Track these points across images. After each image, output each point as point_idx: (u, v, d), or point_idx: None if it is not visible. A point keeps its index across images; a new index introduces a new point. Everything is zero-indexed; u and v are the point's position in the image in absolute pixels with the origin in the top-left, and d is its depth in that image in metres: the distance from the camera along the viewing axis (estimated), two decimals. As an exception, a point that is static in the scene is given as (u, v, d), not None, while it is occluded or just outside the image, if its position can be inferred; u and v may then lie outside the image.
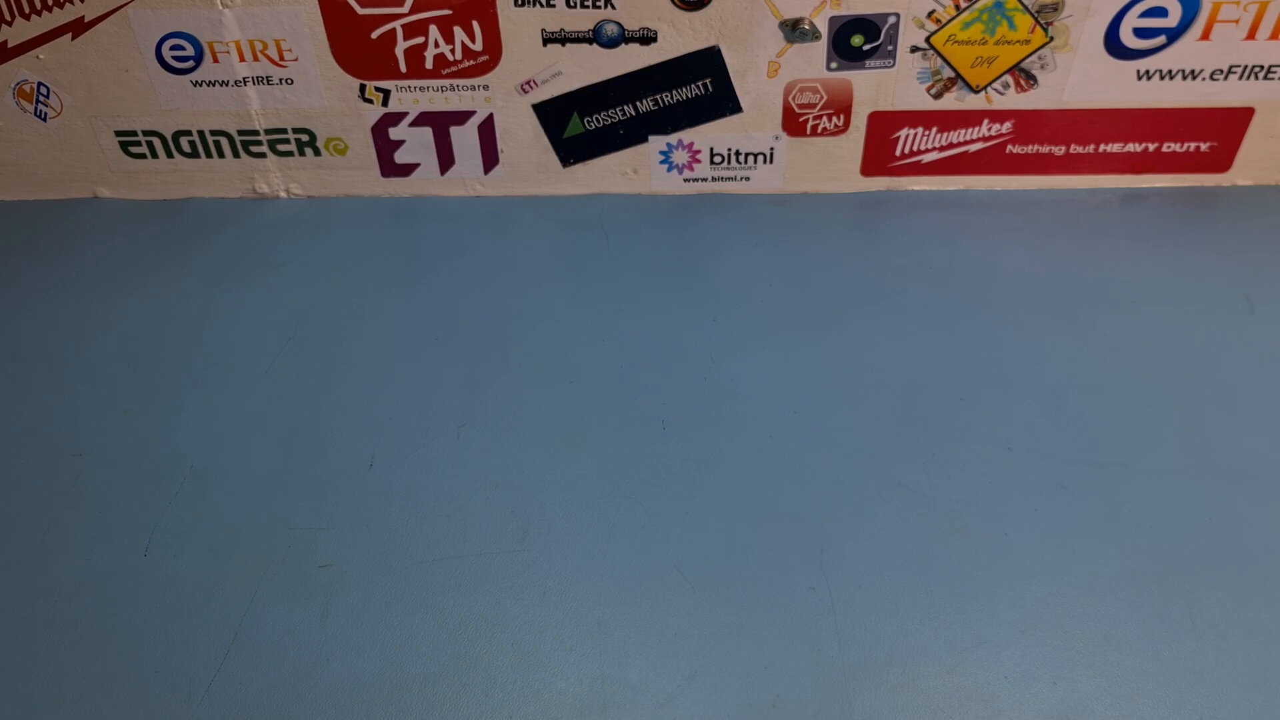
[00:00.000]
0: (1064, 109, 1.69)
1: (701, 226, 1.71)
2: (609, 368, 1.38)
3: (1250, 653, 0.99)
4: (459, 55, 1.64)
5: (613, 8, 1.58)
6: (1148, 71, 1.64)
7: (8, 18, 1.60)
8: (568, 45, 1.62)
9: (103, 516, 1.17)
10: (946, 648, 1.00)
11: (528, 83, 1.67)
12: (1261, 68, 1.63)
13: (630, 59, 1.64)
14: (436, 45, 1.63)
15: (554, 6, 1.58)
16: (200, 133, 1.73)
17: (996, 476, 1.19)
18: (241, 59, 1.64)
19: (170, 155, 1.76)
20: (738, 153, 1.75)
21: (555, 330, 1.45)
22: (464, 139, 1.74)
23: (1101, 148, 1.74)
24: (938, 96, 1.68)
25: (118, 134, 1.74)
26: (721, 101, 1.68)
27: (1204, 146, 1.73)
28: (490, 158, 1.77)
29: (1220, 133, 1.71)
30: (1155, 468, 1.20)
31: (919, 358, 1.38)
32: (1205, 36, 1.60)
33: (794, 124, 1.71)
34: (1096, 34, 1.60)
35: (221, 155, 1.76)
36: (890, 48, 1.62)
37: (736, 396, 1.32)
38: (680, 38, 1.62)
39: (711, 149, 1.75)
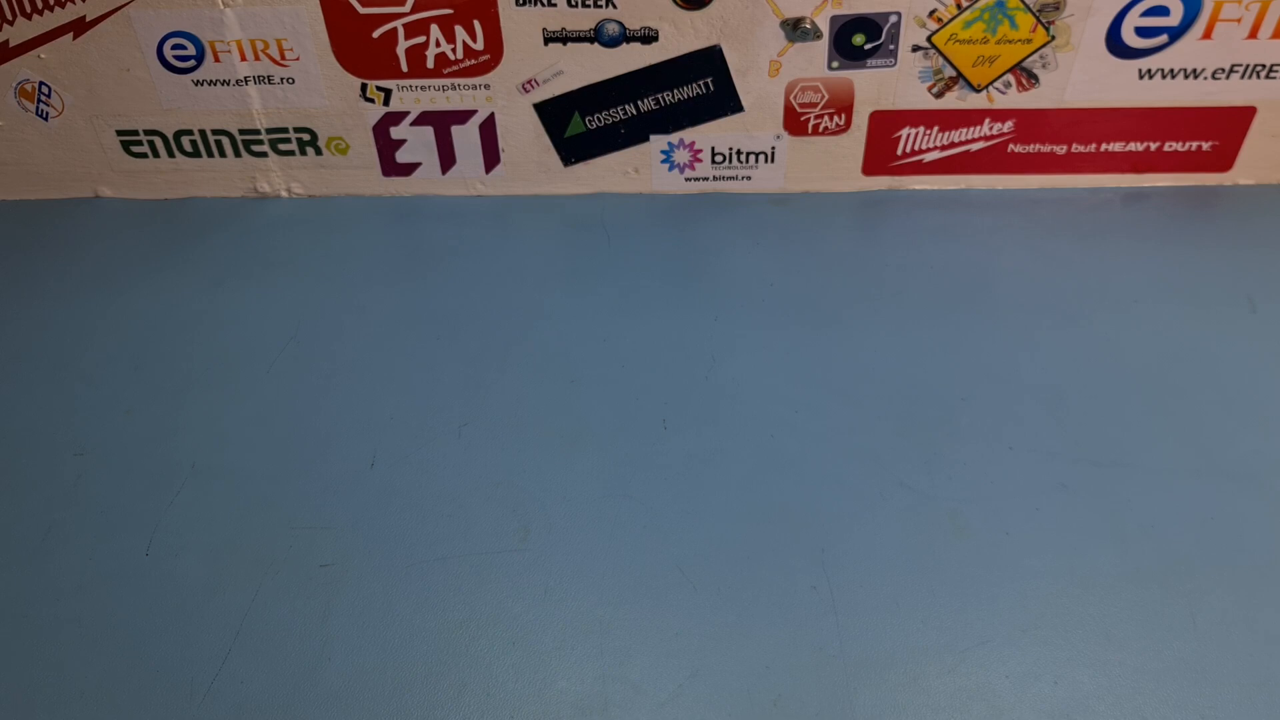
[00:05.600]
0: (1065, 108, 1.68)
1: (703, 226, 1.71)
2: (610, 367, 1.38)
3: (1252, 652, 0.99)
4: (460, 54, 1.64)
5: (614, 7, 1.58)
6: (1149, 71, 1.64)
7: (9, 17, 1.61)
8: (569, 44, 1.62)
9: (104, 516, 1.17)
10: (948, 647, 1.00)
11: (529, 82, 1.67)
12: (1263, 67, 1.63)
13: (631, 58, 1.64)
14: (438, 44, 1.63)
15: (555, 6, 1.58)
16: (201, 132, 1.73)
17: (998, 476, 1.19)
18: (243, 58, 1.64)
19: (171, 155, 1.76)
20: (739, 152, 1.75)
21: (556, 329, 1.45)
22: (465, 138, 1.74)
23: (1103, 147, 1.74)
24: (939, 96, 1.68)
25: (119, 133, 1.74)
26: (723, 101, 1.68)
27: (1206, 146, 1.73)
28: (491, 157, 1.77)
29: (1222, 132, 1.71)
30: (1157, 467, 1.20)
31: (920, 357, 1.38)
32: (1207, 36, 1.60)
33: (795, 123, 1.71)
34: (1098, 33, 1.60)
35: (223, 154, 1.76)
36: (892, 47, 1.62)
37: (737, 395, 1.32)
38: (681, 37, 1.62)
39: (713, 148, 1.75)
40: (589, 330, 1.45)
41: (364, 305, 1.52)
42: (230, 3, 1.58)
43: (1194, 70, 1.64)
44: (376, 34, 1.62)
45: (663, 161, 1.76)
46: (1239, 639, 1.00)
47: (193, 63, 1.65)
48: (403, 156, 1.77)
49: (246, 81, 1.67)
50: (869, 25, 1.60)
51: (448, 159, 1.77)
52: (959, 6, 1.58)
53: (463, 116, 1.71)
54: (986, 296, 1.51)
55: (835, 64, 1.64)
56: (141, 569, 1.10)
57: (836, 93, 1.67)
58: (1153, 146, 1.74)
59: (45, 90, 1.68)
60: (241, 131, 1.73)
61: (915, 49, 1.62)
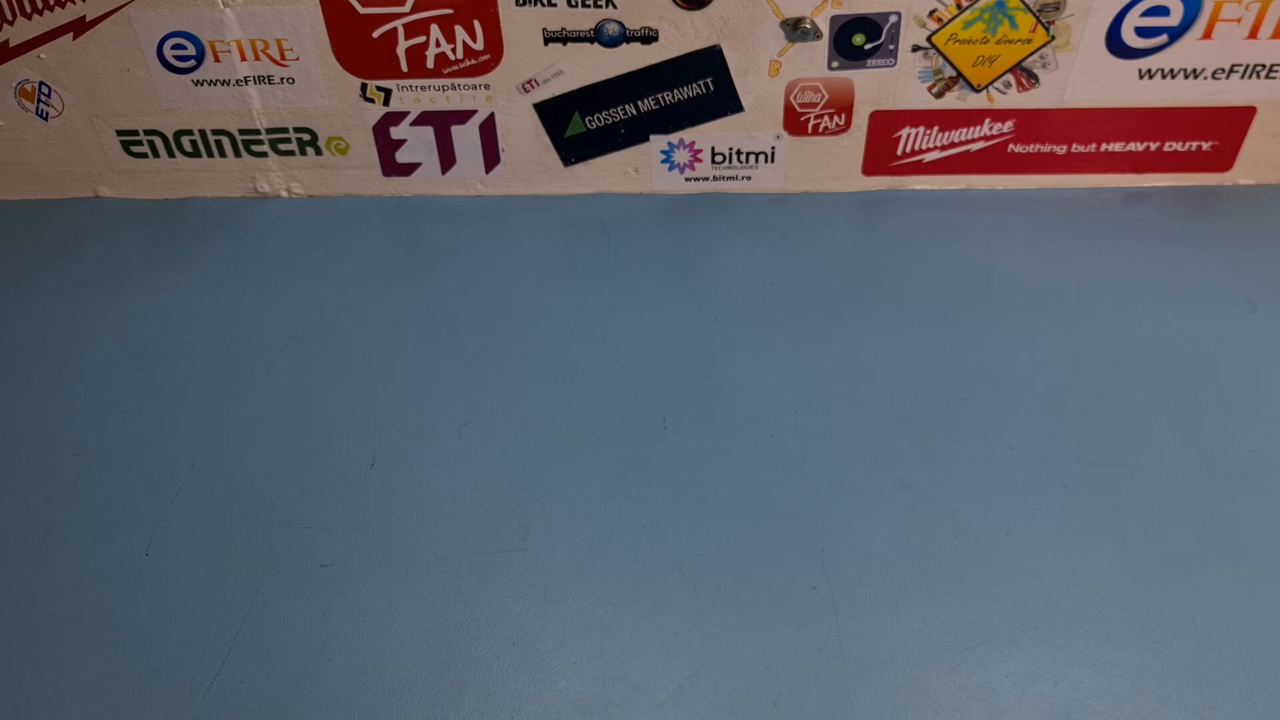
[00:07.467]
0: (1065, 108, 1.68)
1: (703, 226, 1.71)
2: (610, 366, 1.38)
3: (1252, 652, 0.99)
4: (460, 54, 1.64)
5: (614, 7, 1.58)
6: (1149, 70, 1.64)
7: (9, 17, 1.61)
8: (569, 44, 1.62)
9: (104, 516, 1.17)
10: (948, 647, 1.00)
11: (529, 82, 1.67)
12: (1263, 67, 1.62)
13: (631, 58, 1.64)
14: (438, 44, 1.63)
15: (555, 6, 1.58)
16: (201, 132, 1.73)
17: (998, 476, 1.19)
18: (243, 58, 1.64)
19: (171, 155, 1.76)
20: (739, 152, 1.75)
21: (556, 329, 1.45)
22: (465, 138, 1.74)
23: (1103, 147, 1.74)
24: (939, 96, 1.68)
25: (119, 133, 1.74)
26: (723, 101, 1.68)
27: (1206, 146, 1.73)
28: (491, 157, 1.77)
29: (1222, 132, 1.71)
30: (1157, 467, 1.20)
31: (920, 357, 1.38)
32: (1207, 35, 1.60)
33: (795, 123, 1.71)
34: (1098, 33, 1.60)
35: (223, 154, 1.76)
36: (891, 47, 1.62)
37: (737, 395, 1.32)
38: (681, 37, 1.62)
39: (713, 148, 1.75)
40: (589, 330, 1.45)
41: (364, 305, 1.52)
42: (230, 3, 1.58)
43: (1194, 70, 1.64)
44: (376, 34, 1.62)
45: (663, 161, 1.76)
46: (1239, 639, 1.00)
47: (193, 63, 1.65)
48: (403, 156, 1.77)
49: (246, 81, 1.67)
50: (869, 25, 1.60)
51: (448, 159, 1.77)
52: (959, 6, 1.58)
53: (463, 116, 1.71)
54: (986, 296, 1.51)
55: (835, 64, 1.64)
56: (141, 569, 1.10)
57: (836, 93, 1.67)
58: (1153, 146, 1.74)
59: (45, 90, 1.68)
60: (241, 131, 1.73)
61: (915, 49, 1.62)
